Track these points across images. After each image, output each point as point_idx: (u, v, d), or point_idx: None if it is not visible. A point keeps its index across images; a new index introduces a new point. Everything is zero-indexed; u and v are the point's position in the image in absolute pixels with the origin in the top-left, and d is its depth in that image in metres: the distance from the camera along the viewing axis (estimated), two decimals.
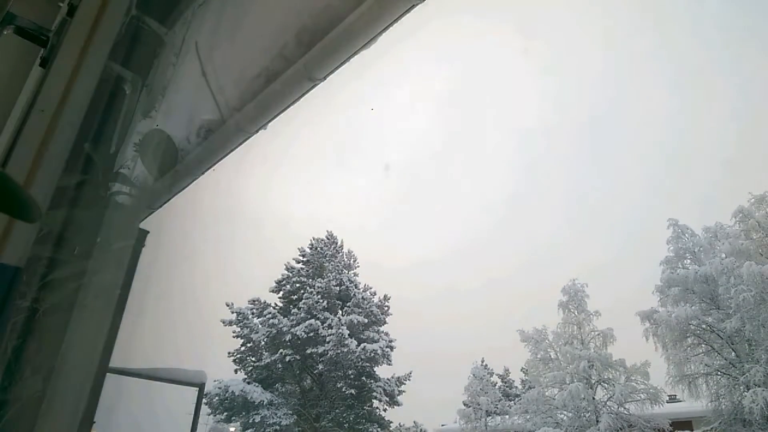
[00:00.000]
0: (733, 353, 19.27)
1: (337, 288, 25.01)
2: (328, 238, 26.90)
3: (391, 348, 24.42)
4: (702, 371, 19.78)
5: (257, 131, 1.69)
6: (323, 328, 22.86)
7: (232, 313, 23.39)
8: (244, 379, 23.15)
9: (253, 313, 23.85)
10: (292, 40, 1.43)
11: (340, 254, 26.59)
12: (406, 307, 36.49)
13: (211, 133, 1.72)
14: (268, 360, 22.99)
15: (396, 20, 1.31)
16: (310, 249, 26.39)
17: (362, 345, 22.84)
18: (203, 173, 1.88)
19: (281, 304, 25.11)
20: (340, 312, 23.85)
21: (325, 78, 1.48)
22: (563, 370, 22.23)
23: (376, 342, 23.58)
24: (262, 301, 24.39)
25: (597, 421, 20.45)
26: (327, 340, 22.55)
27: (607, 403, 20.96)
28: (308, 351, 22.74)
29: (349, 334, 22.71)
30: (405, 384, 24.69)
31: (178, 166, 1.78)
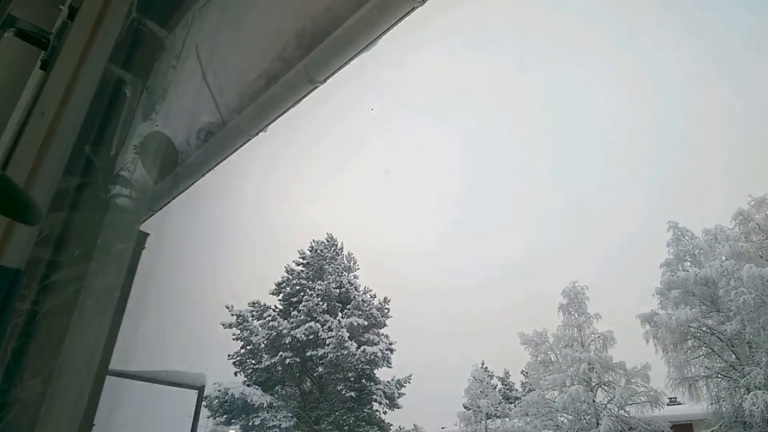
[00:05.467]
0: (733, 356, 19.25)
1: (337, 290, 24.98)
2: (327, 241, 26.89)
3: (391, 350, 24.39)
4: (702, 374, 19.78)
5: (257, 133, 1.70)
6: (323, 330, 22.83)
7: (232, 315, 23.36)
8: (244, 382, 23.10)
9: (253, 316, 23.82)
10: (292, 43, 1.43)
11: (340, 257, 26.57)
12: (407, 309, 36.46)
13: (212, 135, 1.72)
14: (268, 362, 22.95)
15: (396, 22, 1.31)
16: (310, 251, 26.38)
17: (362, 347, 22.81)
18: (203, 175, 1.88)
19: (281, 307, 25.08)
20: (340, 314, 23.80)
21: (325, 80, 1.48)
22: (563, 372, 22.21)
23: (376, 344, 23.54)
24: (262, 303, 24.37)
25: (597, 424, 20.41)
26: (327, 342, 22.52)
27: (608, 405, 20.93)
28: (308, 353, 22.71)
29: (349, 337, 22.68)
30: (405, 387, 24.65)
31: (179, 168, 1.78)
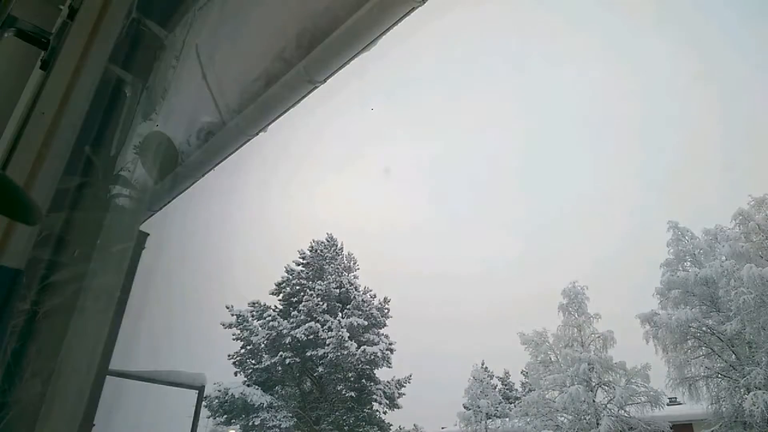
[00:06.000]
0: (733, 356, 19.24)
1: (337, 290, 24.98)
2: (327, 241, 26.88)
3: (391, 350, 24.38)
4: (702, 374, 19.76)
5: (257, 133, 1.70)
6: (323, 330, 22.82)
7: (232, 315, 23.35)
8: (244, 382, 23.09)
9: (253, 316, 23.81)
10: (292, 43, 1.43)
11: (340, 257, 26.56)
12: (406, 309, 36.46)
13: (212, 135, 1.72)
14: (268, 362, 22.94)
15: (396, 23, 1.31)
16: (310, 251, 26.36)
17: (362, 347, 22.79)
18: (203, 175, 1.88)
19: (281, 307, 25.07)
20: (340, 314, 23.79)
21: (325, 80, 1.48)
22: (563, 372, 22.20)
23: (376, 344, 23.53)
24: (262, 303, 24.35)
25: (597, 424, 20.41)
26: (327, 342, 22.50)
27: (608, 405, 20.92)
28: (308, 353, 22.70)
29: (349, 337, 22.67)
30: (405, 387, 24.65)
31: (179, 168, 1.78)
